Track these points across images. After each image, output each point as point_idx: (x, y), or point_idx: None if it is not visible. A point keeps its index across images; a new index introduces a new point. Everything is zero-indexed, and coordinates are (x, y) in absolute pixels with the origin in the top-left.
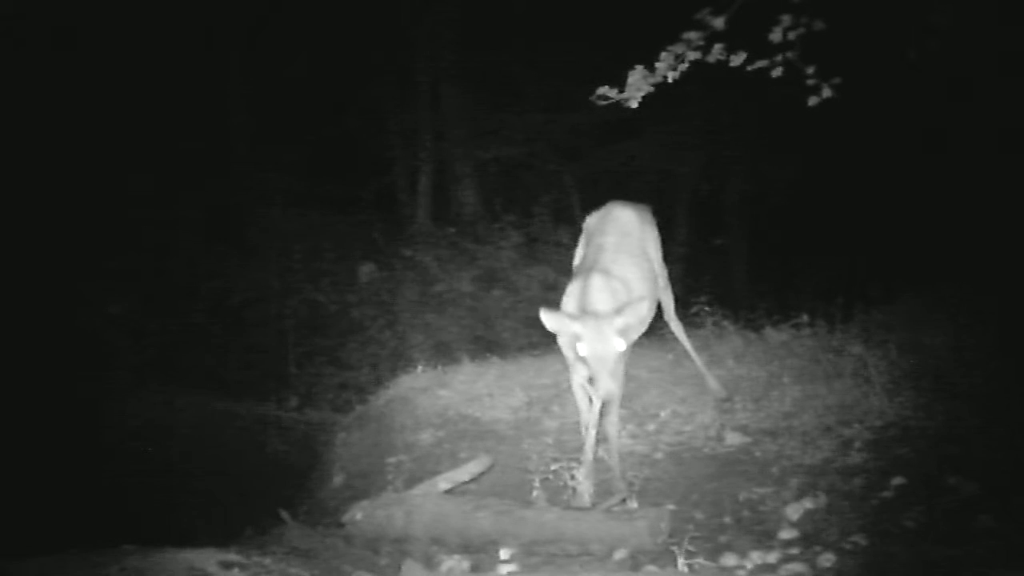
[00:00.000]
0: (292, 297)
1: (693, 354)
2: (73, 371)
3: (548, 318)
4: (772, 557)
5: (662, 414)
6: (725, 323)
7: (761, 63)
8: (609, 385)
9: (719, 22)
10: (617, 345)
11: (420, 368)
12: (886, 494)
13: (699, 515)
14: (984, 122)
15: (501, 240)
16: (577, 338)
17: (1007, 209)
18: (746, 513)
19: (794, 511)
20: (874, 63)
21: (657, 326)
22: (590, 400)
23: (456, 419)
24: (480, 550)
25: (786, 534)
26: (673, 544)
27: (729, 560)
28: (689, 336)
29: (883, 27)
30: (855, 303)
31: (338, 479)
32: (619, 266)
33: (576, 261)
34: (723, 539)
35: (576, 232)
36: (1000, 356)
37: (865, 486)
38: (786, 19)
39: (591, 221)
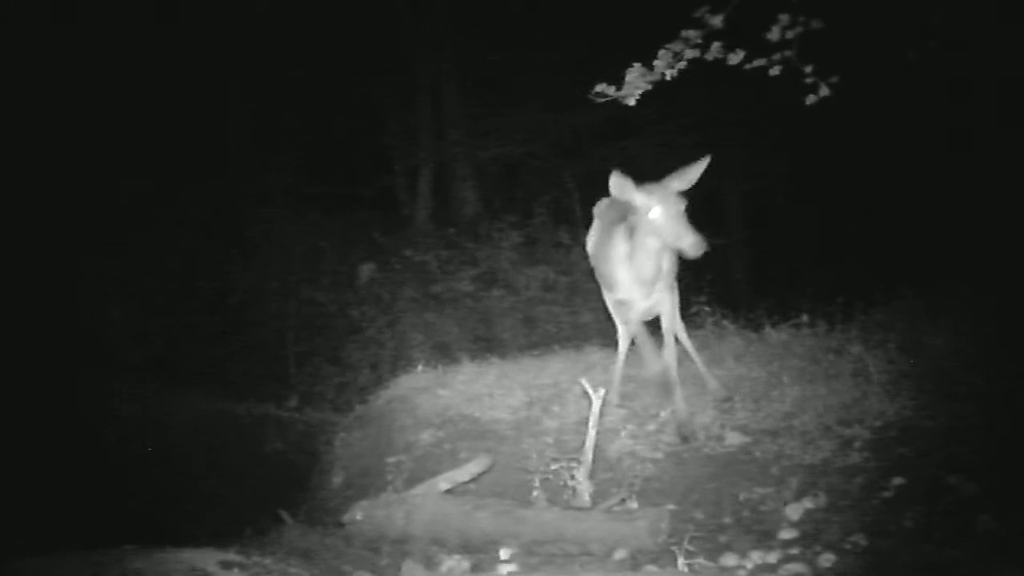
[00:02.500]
0: (292, 297)
1: (696, 356)
2: (73, 371)
3: (619, 181)
4: (772, 557)
5: (662, 414)
6: (725, 323)
7: (759, 61)
8: (692, 237)
9: (717, 20)
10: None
11: (420, 368)
12: (886, 494)
13: (699, 515)
14: (984, 122)
15: (501, 240)
16: (646, 208)
17: (1007, 209)
18: (746, 513)
19: (794, 511)
20: (872, 62)
21: (657, 326)
22: (591, 396)
23: (456, 419)
24: (480, 550)
25: (786, 534)
26: (673, 544)
27: (729, 560)
28: (689, 336)
29: (882, 26)
30: (855, 303)
31: (338, 479)
32: None
33: (590, 247)
34: (723, 539)
35: (576, 232)
36: (1000, 356)
37: (865, 486)
38: (784, 18)
39: (601, 209)
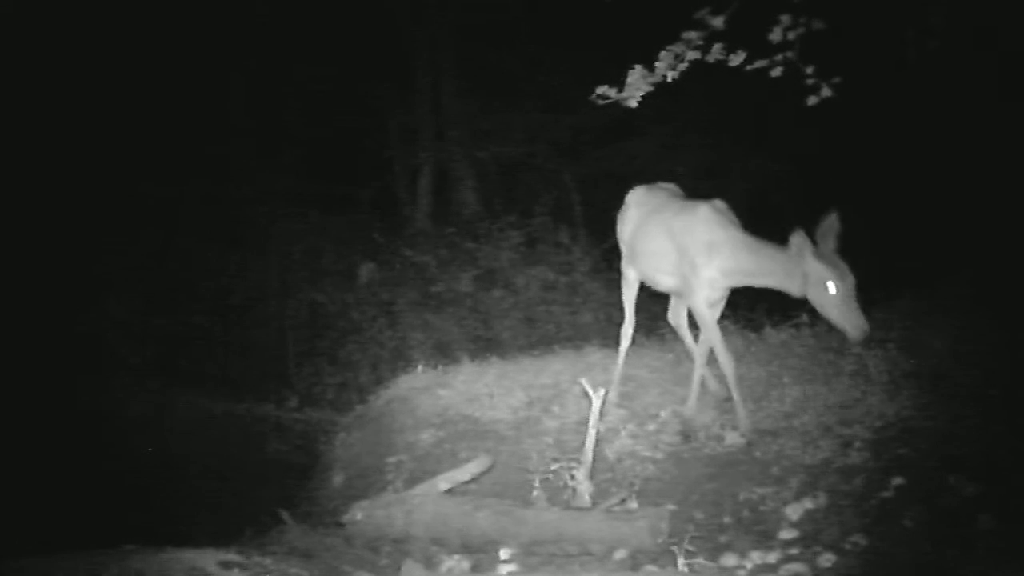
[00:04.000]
0: (292, 297)
1: (698, 357)
2: (73, 371)
3: (800, 243)
4: (772, 557)
5: (662, 414)
6: (725, 323)
7: (760, 63)
8: (860, 322)
9: (718, 21)
10: None
11: (420, 368)
12: (886, 494)
13: (699, 515)
14: (984, 121)
15: (501, 240)
16: (822, 280)
17: (1007, 209)
18: (746, 513)
19: (794, 511)
20: (873, 63)
21: (656, 326)
22: (591, 396)
23: (456, 419)
24: (480, 550)
25: (786, 534)
26: (673, 544)
27: (729, 560)
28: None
29: (882, 27)
30: None
31: (338, 479)
32: None
33: (627, 234)
34: (723, 539)
35: (576, 232)
36: (1000, 356)
37: (865, 486)
38: (785, 19)
39: (639, 195)
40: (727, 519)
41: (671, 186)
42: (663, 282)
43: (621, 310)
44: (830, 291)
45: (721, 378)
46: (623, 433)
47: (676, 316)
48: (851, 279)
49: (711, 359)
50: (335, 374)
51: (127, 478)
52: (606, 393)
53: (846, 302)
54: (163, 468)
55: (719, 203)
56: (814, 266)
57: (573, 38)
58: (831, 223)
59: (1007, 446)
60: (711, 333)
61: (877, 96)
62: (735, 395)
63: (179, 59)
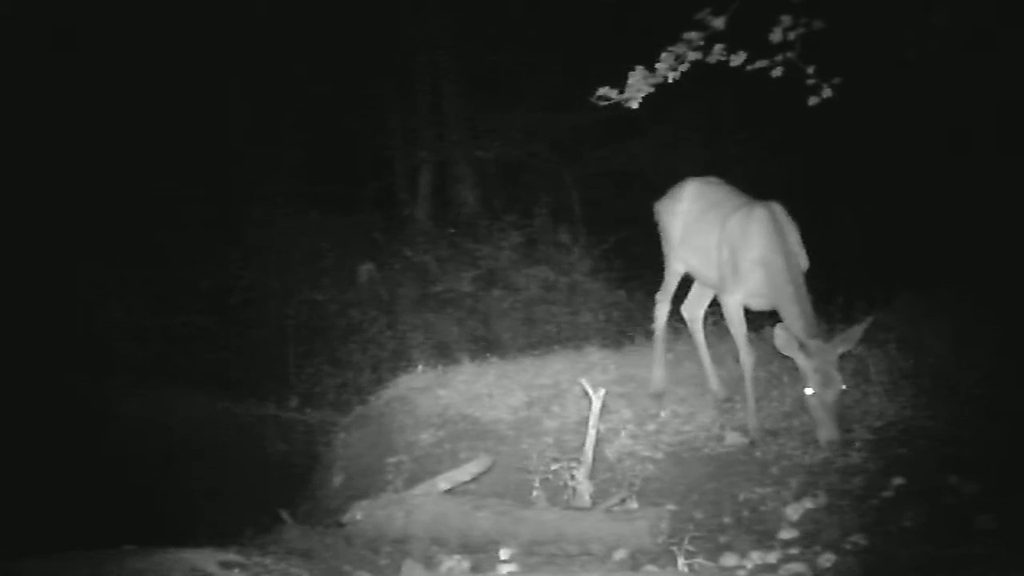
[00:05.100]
0: (292, 297)
1: (705, 356)
2: (73, 371)
3: (784, 338)
4: (772, 557)
5: (662, 414)
6: (725, 323)
7: (761, 63)
8: (832, 433)
9: (719, 22)
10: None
11: (420, 368)
12: (886, 494)
13: (699, 515)
14: (984, 122)
15: (501, 240)
16: (805, 376)
17: (1007, 210)
18: (746, 513)
19: (794, 511)
20: (874, 63)
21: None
22: (591, 396)
23: (456, 419)
24: (480, 550)
25: (786, 534)
26: (673, 544)
27: (729, 560)
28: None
29: (883, 27)
30: (855, 303)
31: (338, 479)
32: None
33: (679, 229)
34: (723, 539)
35: (576, 232)
36: (1000, 356)
37: (865, 486)
38: (786, 19)
39: (693, 189)
40: (727, 519)
41: (718, 180)
42: (709, 276)
43: (650, 295)
44: (810, 394)
45: (725, 379)
46: (623, 433)
47: (692, 310)
48: (834, 392)
49: (720, 359)
50: (335, 374)
51: (127, 478)
52: (606, 393)
53: (824, 408)
54: (163, 468)
55: (777, 208)
56: (802, 364)
57: (573, 38)
58: (860, 327)
59: (1007, 446)
60: (737, 329)
61: (878, 96)
62: (748, 394)
63: (180, 59)
